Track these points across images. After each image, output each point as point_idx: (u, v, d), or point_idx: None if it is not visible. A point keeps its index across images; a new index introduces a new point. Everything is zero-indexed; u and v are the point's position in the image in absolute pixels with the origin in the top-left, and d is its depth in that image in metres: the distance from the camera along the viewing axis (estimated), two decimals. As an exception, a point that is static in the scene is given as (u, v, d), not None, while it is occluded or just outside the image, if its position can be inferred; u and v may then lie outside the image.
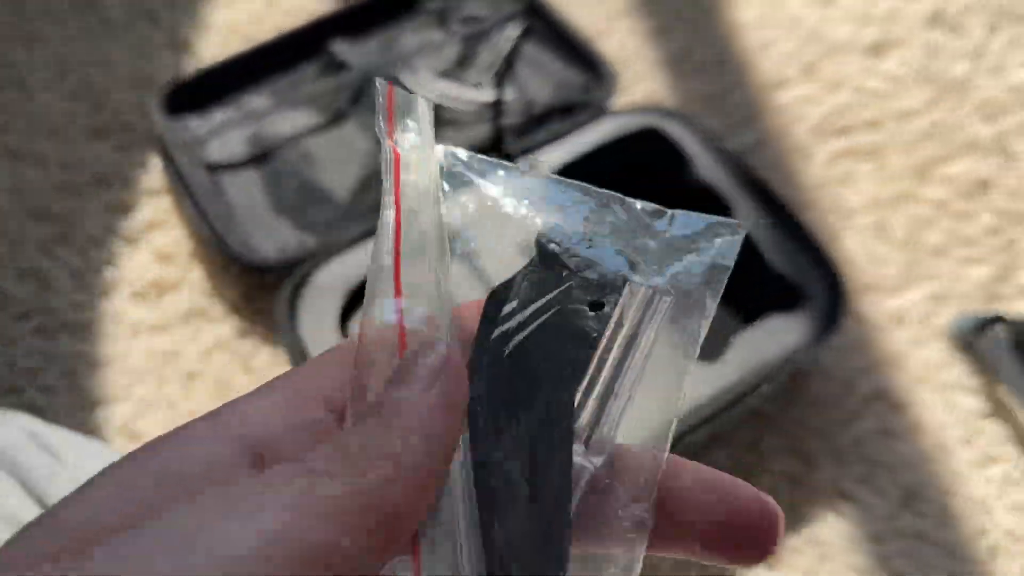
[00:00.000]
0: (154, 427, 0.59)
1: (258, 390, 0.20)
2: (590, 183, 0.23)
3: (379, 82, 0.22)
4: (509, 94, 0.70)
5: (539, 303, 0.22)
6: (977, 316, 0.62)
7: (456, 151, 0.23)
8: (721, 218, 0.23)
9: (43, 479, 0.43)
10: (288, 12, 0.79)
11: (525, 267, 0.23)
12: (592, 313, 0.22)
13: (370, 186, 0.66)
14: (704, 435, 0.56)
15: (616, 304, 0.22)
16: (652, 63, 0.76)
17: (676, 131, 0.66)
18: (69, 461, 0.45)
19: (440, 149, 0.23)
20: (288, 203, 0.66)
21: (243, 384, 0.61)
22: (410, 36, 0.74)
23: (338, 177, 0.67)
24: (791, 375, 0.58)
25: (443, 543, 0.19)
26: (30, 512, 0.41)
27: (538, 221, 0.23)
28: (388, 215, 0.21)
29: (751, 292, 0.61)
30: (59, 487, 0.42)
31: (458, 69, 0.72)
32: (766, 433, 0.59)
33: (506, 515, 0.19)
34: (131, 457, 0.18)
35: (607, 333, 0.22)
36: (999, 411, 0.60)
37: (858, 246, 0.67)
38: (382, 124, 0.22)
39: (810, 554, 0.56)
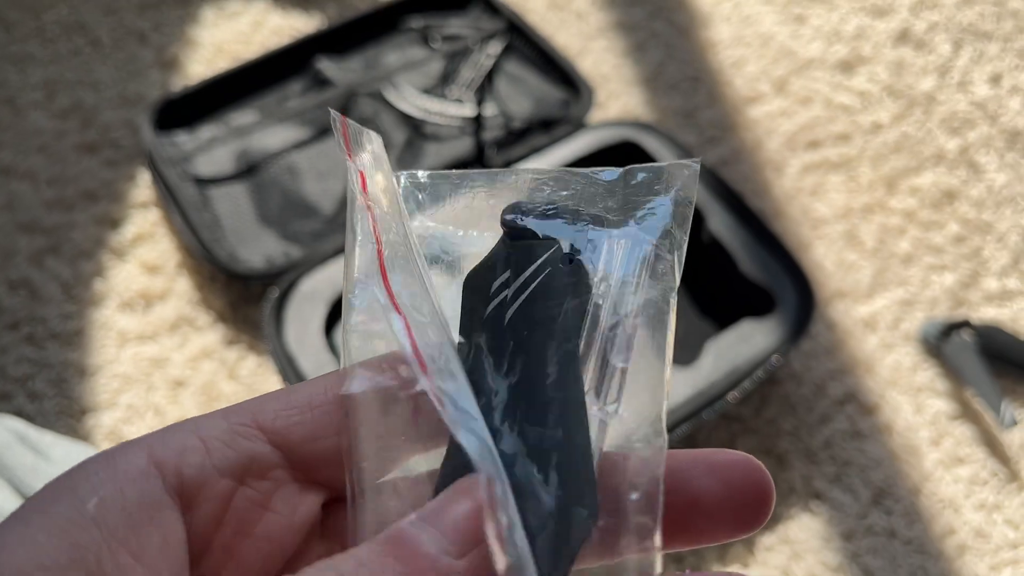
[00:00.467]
0: (142, 433, 0.60)
1: (201, 418, 0.20)
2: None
3: (332, 112, 0.23)
4: (490, 109, 0.72)
5: (525, 274, 0.22)
6: (944, 321, 0.64)
7: (416, 173, 0.24)
8: (675, 160, 0.23)
9: (29, 474, 0.44)
10: (274, 31, 0.81)
11: (497, 245, 0.23)
12: (570, 266, 0.23)
13: (354, 198, 0.68)
14: (680, 437, 0.57)
15: (599, 255, 0.23)
16: (628, 81, 0.79)
17: (652, 144, 0.68)
18: (55, 459, 0.46)
19: (400, 174, 0.24)
20: (274, 215, 0.68)
21: (229, 391, 0.62)
22: (393, 54, 0.76)
23: (322, 190, 0.69)
24: (764, 379, 0.60)
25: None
26: (15, 506, 0.42)
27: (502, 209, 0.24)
28: (362, 227, 0.21)
29: (725, 298, 0.63)
30: (44, 482, 0.43)
31: (440, 85, 0.74)
32: (740, 435, 0.61)
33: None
34: (69, 494, 0.17)
35: (597, 289, 0.23)
36: (966, 413, 0.62)
37: (829, 254, 0.69)
38: (341, 146, 0.23)
39: (784, 552, 0.57)
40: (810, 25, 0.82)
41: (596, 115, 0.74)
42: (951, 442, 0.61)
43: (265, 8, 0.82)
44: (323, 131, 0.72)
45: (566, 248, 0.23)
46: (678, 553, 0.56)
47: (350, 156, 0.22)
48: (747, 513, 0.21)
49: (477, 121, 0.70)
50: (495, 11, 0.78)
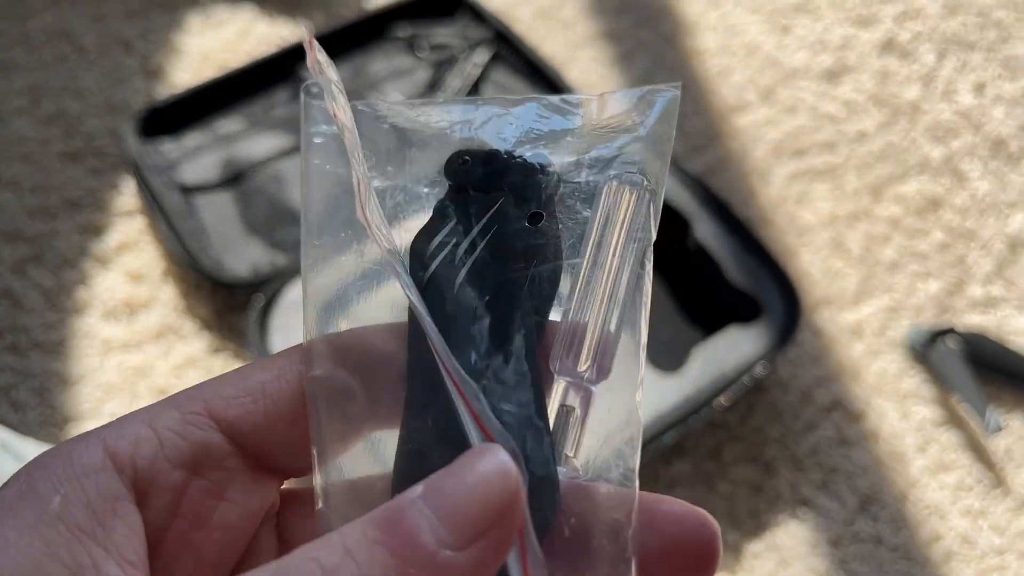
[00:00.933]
0: (125, 443, 0.60)
1: (155, 407, 0.19)
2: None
3: (305, 28, 0.22)
4: (476, 117, 0.72)
5: (473, 232, 0.20)
6: (930, 328, 0.64)
7: (375, 104, 0.22)
8: (651, 87, 0.21)
9: None
10: (260, 40, 0.81)
11: (441, 200, 0.21)
12: (536, 227, 0.21)
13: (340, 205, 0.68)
14: (666, 444, 0.57)
15: (551, 206, 0.21)
16: (614, 89, 0.79)
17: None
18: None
19: (357, 104, 0.22)
20: (259, 223, 0.67)
21: (214, 400, 0.62)
22: (380, 62, 0.76)
23: (309, 198, 0.69)
24: (751, 386, 0.60)
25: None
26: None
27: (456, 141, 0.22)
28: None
29: (711, 305, 0.63)
30: None
31: (427, 94, 0.74)
32: (727, 442, 0.61)
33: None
34: (31, 494, 0.17)
35: (593, 240, 0.21)
36: (952, 419, 0.62)
37: (815, 262, 0.69)
38: (312, 66, 0.21)
39: (771, 559, 0.57)
40: (795, 35, 0.82)
41: (583, 123, 0.74)
42: (937, 448, 0.61)
43: (252, 16, 0.82)
44: (309, 139, 0.72)
45: (524, 198, 0.21)
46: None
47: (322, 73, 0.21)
48: (687, 572, 0.20)
49: (464, 129, 0.70)
50: (482, 20, 0.78)
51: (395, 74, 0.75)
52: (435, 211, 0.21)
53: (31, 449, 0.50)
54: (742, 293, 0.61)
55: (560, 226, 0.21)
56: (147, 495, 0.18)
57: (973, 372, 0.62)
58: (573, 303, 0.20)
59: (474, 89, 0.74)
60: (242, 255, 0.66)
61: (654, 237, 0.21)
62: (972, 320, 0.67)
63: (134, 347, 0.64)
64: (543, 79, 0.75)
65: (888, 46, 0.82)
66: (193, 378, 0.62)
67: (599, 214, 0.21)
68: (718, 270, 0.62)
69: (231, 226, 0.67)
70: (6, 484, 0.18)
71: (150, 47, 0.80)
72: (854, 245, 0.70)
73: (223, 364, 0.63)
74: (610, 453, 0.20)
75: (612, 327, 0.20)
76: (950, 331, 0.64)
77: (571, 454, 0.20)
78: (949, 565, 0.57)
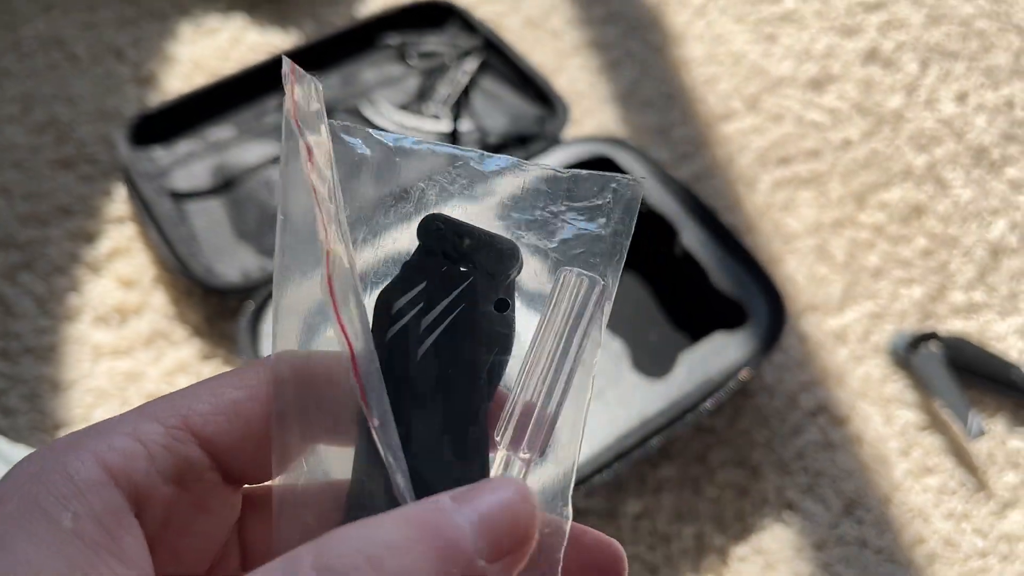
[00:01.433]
0: (116, 448, 0.60)
1: (135, 418, 0.20)
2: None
3: (285, 61, 0.22)
4: (466, 125, 0.73)
5: (443, 303, 0.21)
6: (913, 334, 0.65)
7: (358, 140, 0.23)
8: (619, 176, 0.22)
9: None
10: (251, 48, 0.81)
11: (412, 258, 0.22)
12: (502, 315, 0.22)
13: (331, 213, 0.69)
14: (653, 448, 0.58)
15: (513, 292, 0.22)
16: (602, 98, 0.80)
17: (626, 160, 0.69)
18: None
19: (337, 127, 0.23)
20: (250, 229, 0.68)
21: (205, 405, 0.62)
22: (370, 70, 0.77)
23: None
24: (737, 391, 0.61)
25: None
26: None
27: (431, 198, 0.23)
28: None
29: (697, 311, 0.64)
30: None
31: (417, 102, 0.75)
32: (713, 446, 0.62)
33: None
34: (38, 512, 0.17)
35: (544, 324, 0.22)
36: (935, 424, 0.63)
37: (800, 268, 0.70)
38: (288, 112, 0.21)
39: (756, 563, 0.58)
40: (781, 44, 0.83)
41: (571, 131, 0.75)
42: (920, 452, 0.62)
43: (243, 25, 0.83)
44: (300, 146, 0.72)
45: (493, 280, 0.22)
46: (650, 562, 0.57)
47: (298, 125, 0.21)
48: None
49: (453, 137, 0.71)
50: (471, 29, 0.79)
51: (385, 82, 0.76)
52: (404, 269, 0.22)
53: (22, 455, 0.51)
54: (728, 299, 0.62)
55: (548, 312, 0.22)
56: (144, 508, 0.19)
57: (955, 377, 0.63)
58: (518, 384, 0.22)
59: (463, 96, 0.74)
60: (233, 261, 0.66)
61: (604, 324, 0.22)
62: (954, 325, 0.68)
63: (125, 353, 0.64)
64: (532, 87, 0.75)
65: (872, 55, 0.83)
66: (184, 384, 0.63)
67: (551, 302, 0.22)
68: (704, 277, 0.63)
69: (222, 232, 0.68)
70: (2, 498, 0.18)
71: (142, 55, 0.81)
72: (839, 252, 0.71)
73: (213, 370, 0.63)
74: (543, 501, 0.21)
75: (551, 409, 0.21)
76: (933, 336, 0.65)
77: None
78: (932, 568, 0.58)
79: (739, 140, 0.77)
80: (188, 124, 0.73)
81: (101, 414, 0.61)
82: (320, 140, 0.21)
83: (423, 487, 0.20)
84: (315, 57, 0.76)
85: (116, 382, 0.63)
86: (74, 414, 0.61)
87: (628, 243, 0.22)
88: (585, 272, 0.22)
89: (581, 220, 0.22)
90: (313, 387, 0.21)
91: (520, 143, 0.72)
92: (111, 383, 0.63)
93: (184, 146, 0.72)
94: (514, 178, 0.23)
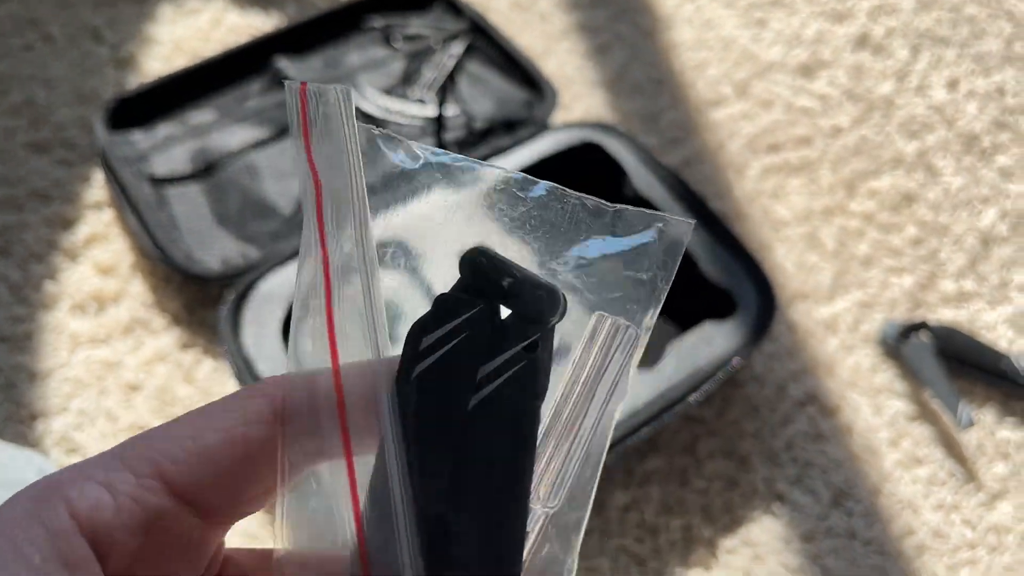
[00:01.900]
0: (93, 439, 0.59)
1: (107, 463, 0.20)
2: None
3: (289, 86, 0.21)
4: (452, 110, 0.71)
5: (479, 343, 0.21)
6: (903, 323, 0.65)
7: (412, 148, 0.22)
8: (666, 216, 0.22)
9: None
10: (232, 29, 0.80)
11: (452, 290, 0.21)
12: (527, 356, 0.21)
13: (314, 199, 0.67)
14: (641, 440, 0.57)
15: (550, 335, 0.21)
16: (591, 83, 0.78)
17: (614, 146, 0.68)
18: None
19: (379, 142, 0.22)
20: (232, 215, 0.67)
21: (184, 395, 0.61)
22: (354, 53, 0.75)
23: (281, 190, 0.68)
24: (726, 380, 0.60)
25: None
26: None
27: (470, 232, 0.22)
28: (311, 264, 0.20)
29: (686, 300, 0.63)
30: None
31: (402, 85, 0.74)
32: (702, 437, 0.61)
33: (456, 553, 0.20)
34: (13, 551, 0.19)
35: (573, 371, 0.21)
36: (925, 414, 0.63)
37: (790, 256, 0.69)
38: (299, 138, 0.21)
39: (745, 554, 0.57)
40: (771, 29, 0.82)
41: (559, 116, 0.74)
42: (910, 442, 0.62)
43: (224, 6, 0.81)
44: (283, 131, 0.71)
45: (528, 323, 0.21)
46: (638, 554, 0.56)
47: (308, 148, 0.21)
48: None
49: (439, 121, 0.70)
50: (457, 11, 0.77)
51: (369, 65, 0.75)
52: (440, 303, 0.21)
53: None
54: (717, 288, 0.61)
55: (573, 360, 0.21)
56: (107, 557, 0.20)
57: (945, 366, 0.63)
58: (551, 436, 0.21)
59: (449, 80, 0.73)
60: (213, 248, 0.65)
61: (632, 372, 0.22)
62: (945, 315, 0.67)
63: (102, 342, 0.63)
64: (519, 71, 0.74)
65: (863, 41, 0.82)
66: (163, 374, 0.61)
67: (583, 347, 0.21)
68: (693, 265, 0.62)
69: (202, 218, 0.67)
70: None
71: (120, 36, 0.79)
72: (829, 240, 0.70)
73: (193, 359, 0.62)
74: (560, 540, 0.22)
75: (575, 462, 0.21)
76: (923, 326, 0.64)
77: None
78: (922, 559, 0.58)
79: (729, 126, 0.76)
80: (168, 107, 0.71)
81: (78, 405, 0.60)
82: (340, 150, 0.21)
83: (441, 545, 0.19)
84: (297, 39, 0.75)
85: (94, 371, 0.61)
86: (51, 404, 0.60)
87: (668, 288, 0.22)
88: (620, 320, 0.22)
89: (621, 261, 0.22)
90: (322, 406, 0.21)
91: (507, 128, 0.71)
92: (89, 372, 0.61)
93: (164, 130, 0.70)
94: (558, 205, 0.22)
